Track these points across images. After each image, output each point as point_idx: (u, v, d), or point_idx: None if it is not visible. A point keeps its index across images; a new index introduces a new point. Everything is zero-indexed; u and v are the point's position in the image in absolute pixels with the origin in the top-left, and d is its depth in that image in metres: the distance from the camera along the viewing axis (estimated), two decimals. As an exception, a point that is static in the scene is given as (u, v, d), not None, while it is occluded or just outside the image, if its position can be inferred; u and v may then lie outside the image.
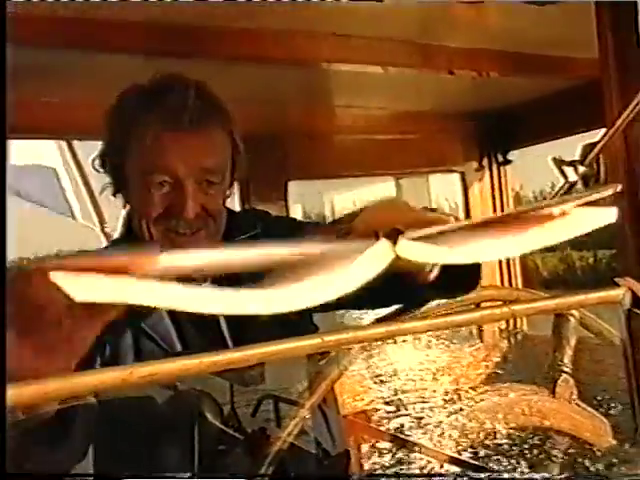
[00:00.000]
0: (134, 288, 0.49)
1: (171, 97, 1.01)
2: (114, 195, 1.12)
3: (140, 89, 1.07)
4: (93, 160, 1.13)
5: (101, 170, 1.12)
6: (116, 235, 1.18)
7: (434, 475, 1.30)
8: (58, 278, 0.46)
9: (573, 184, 0.97)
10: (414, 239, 0.56)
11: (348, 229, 0.66)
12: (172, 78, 1.06)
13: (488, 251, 0.59)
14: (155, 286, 0.50)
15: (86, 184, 2.71)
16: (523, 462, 1.50)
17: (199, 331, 1.07)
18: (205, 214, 1.05)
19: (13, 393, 0.46)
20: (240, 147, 1.11)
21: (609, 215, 0.60)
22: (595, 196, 0.60)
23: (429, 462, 1.34)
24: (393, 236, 0.55)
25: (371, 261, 0.54)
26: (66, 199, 2.84)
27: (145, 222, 1.06)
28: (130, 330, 1.03)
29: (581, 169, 0.96)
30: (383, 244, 0.55)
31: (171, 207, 1.03)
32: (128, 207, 1.12)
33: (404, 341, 2.38)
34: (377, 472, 1.62)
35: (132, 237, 1.10)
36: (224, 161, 1.08)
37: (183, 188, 1.02)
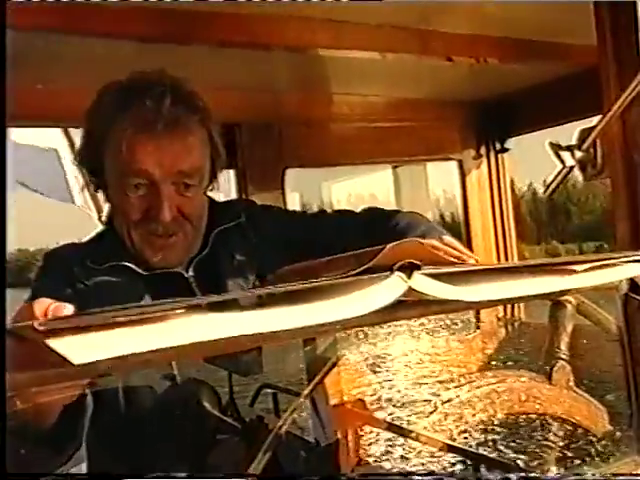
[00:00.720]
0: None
1: (146, 103, 1.01)
2: (95, 191, 1.13)
3: (118, 87, 1.06)
4: (75, 157, 1.14)
5: (83, 168, 1.13)
6: (97, 230, 1.20)
7: (435, 474, 1.30)
8: (58, 345, 0.46)
9: (570, 169, 0.96)
10: (430, 275, 0.60)
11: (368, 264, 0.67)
12: (149, 77, 1.06)
13: (492, 292, 0.62)
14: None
15: (82, 173, 2.69)
16: (518, 447, 1.51)
17: None
18: (182, 218, 1.06)
19: (14, 378, 0.46)
20: (218, 146, 1.12)
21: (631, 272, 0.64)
22: (621, 261, 0.62)
23: (424, 450, 1.34)
24: (408, 269, 0.59)
25: (384, 291, 0.58)
26: (67, 183, 2.81)
27: (125, 226, 1.08)
28: None
29: (578, 154, 0.96)
30: (396, 277, 0.59)
31: (148, 210, 1.04)
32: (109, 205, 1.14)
33: (397, 326, 2.38)
34: (372, 459, 1.63)
35: (113, 237, 1.12)
36: (201, 162, 1.08)
37: (159, 191, 1.03)
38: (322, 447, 1.03)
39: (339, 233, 1.16)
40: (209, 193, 1.18)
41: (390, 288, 0.58)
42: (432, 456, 1.32)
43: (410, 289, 0.59)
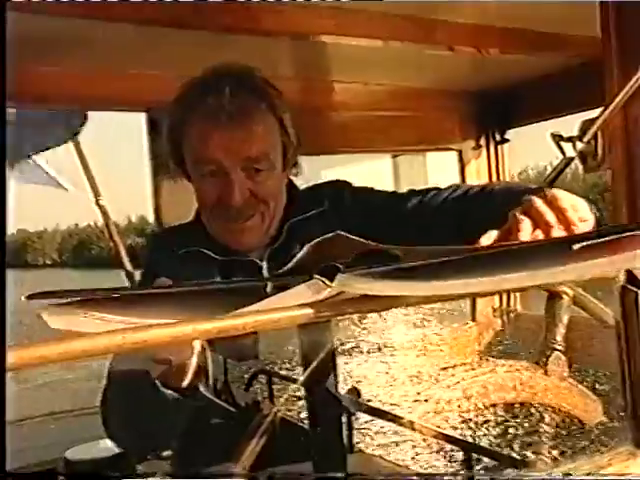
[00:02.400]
0: None
1: (209, 98, 1.07)
2: (189, 180, 1.16)
3: (190, 85, 1.12)
4: (166, 158, 1.17)
5: (173, 167, 1.17)
6: (190, 218, 1.23)
7: (437, 475, 1.30)
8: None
9: (570, 160, 0.96)
10: (358, 274, 0.58)
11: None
12: (215, 71, 1.11)
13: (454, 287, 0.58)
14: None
15: (80, 155, 2.67)
16: (513, 437, 1.52)
17: None
18: (255, 200, 1.10)
19: (15, 355, 0.47)
20: (291, 134, 1.14)
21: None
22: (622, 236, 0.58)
23: (420, 439, 1.35)
24: (330, 273, 0.58)
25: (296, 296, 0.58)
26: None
27: (204, 213, 1.15)
28: None
29: (579, 145, 0.96)
30: (314, 283, 0.58)
31: (221, 197, 1.09)
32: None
33: (391, 316, 2.39)
34: (366, 447, 1.64)
35: (200, 224, 1.17)
36: (270, 148, 1.11)
37: (229, 177, 1.08)
38: (319, 431, 1.03)
39: (436, 215, 1.09)
40: (294, 179, 1.20)
41: (303, 293, 0.58)
42: (427, 446, 1.33)
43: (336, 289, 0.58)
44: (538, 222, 0.81)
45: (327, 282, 0.58)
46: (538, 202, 0.82)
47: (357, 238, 0.69)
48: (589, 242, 0.58)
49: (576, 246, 0.58)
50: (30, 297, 0.51)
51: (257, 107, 1.09)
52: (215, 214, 1.13)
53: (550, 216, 0.81)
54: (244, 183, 1.09)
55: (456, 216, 1.05)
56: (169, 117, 1.15)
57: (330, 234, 0.70)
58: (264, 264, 1.14)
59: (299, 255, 0.68)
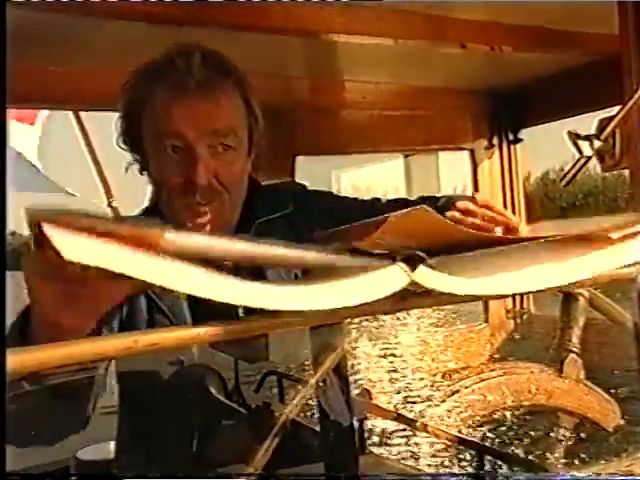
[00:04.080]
0: (132, 260, 0.47)
1: (177, 63, 1.01)
2: (141, 173, 1.11)
3: (152, 62, 1.06)
4: (117, 139, 1.12)
5: (125, 147, 1.11)
6: (143, 206, 1.17)
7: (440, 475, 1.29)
8: (53, 233, 0.45)
9: (588, 159, 0.94)
10: (434, 266, 0.54)
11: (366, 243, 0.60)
12: (181, 45, 1.06)
13: (510, 284, 0.57)
14: (160, 264, 0.48)
15: (93, 156, 2.68)
16: (528, 441, 1.50)
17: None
18: (217, 184, 1.03)
19: (16, 359, 0.45)
20: (258, 116, 1.09)
21: None
22: None
23: (434, 441, 1.33)
24: (412, 261, 0.54)
25: (383, 284, 0.53)
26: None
27: (166, 193, 1.06)
28: (146, 304, 1.03)
29: (597, 143, 0.94)
30: (397, 269, 0.53)
31: (185, 175, 1.02)
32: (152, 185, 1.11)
33: (405, 318, 2.37)
34: (379, 449, 1.62)
35: (157, 211, 1.09)
36: (237, 124, 1.05)
37: (194, 153, 1.01)
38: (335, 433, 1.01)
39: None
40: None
41: (389, 280, 0.53)
42: (442, 449, 1.31)
43: (414, 283, 0.54)
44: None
45: (409, 272, 0.53)
46: (468, 203, 0.90)
47: (439, 216, 0.62)
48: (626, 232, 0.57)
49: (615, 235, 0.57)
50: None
51: (224, 81, 1.04)
52: (175, 194, 1.04)
53: (480, 212, 0.89)
54: (210, 161, 1.02)
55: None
56: (128, 91, 1.07)
57: (413, 207, 0.60)
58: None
59: (379, 230, 0.58)
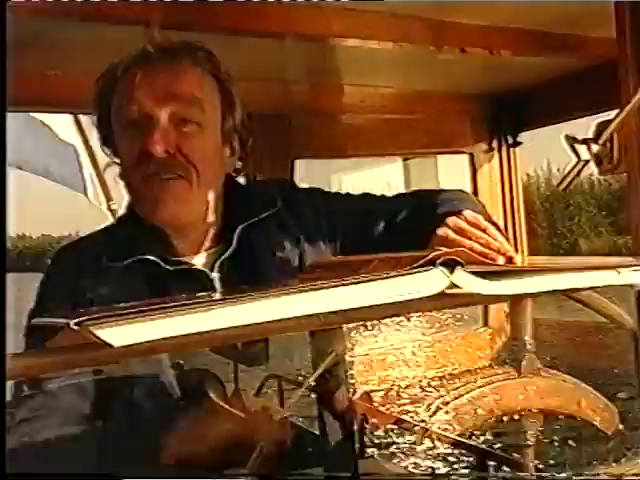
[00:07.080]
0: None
1: (139, 41, 1.02)
2: (108, 165, 1.11)
3: (120, 59, 1.06)
4: (100, 143, 1.11)
5: (107, 150, 1.10)
6: (120, 212, 1.16)
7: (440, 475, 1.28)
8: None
9: (585, 163, 0.94)
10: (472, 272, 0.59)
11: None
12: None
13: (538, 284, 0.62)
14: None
15: (92, 159, 2.69)
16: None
17: None
18: (181, 157, 0.99)
19: (14, 364, 0.46)
20: (236, 104, 1.06)
21: None
22: None
23: (434, 445, 1.33)
24: (451, 265, 0.59)
25: (427, 282, 0.58)
26: (82, 175, 2.80)
27: (125, 170, 1.03)
28: None
29: (594, 147, 0.94)
30: (438, 271, 0.59)
31: (142, 146, 0.98)
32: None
33: (400, 322, 2.37)
34: (379, 454, 1.62)
35: (135, 217, 1.06)
36: (203, 98, 1.02)
37: (151, 121, 0.98)
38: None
39: (389, 219, 1.08)
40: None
41: (432, 281, 0.58)
42: (443, 453, 1.31)
43: (451, 284, 0.59)
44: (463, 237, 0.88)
45: (448, 274, 0.58)
46: (460, 222, 0.89)
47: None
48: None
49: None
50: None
51: (190, 54, 1.03)
52: (133, 167, 1.00)
53: (473, 233, 0.88)
54: (170, 132, 0.98)
55: (400, 224, 1.09)
56: (101, 80, 1.06)
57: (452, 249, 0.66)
58: (215, 275, 1.03)
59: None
